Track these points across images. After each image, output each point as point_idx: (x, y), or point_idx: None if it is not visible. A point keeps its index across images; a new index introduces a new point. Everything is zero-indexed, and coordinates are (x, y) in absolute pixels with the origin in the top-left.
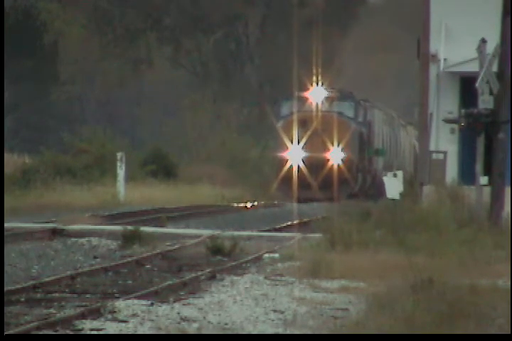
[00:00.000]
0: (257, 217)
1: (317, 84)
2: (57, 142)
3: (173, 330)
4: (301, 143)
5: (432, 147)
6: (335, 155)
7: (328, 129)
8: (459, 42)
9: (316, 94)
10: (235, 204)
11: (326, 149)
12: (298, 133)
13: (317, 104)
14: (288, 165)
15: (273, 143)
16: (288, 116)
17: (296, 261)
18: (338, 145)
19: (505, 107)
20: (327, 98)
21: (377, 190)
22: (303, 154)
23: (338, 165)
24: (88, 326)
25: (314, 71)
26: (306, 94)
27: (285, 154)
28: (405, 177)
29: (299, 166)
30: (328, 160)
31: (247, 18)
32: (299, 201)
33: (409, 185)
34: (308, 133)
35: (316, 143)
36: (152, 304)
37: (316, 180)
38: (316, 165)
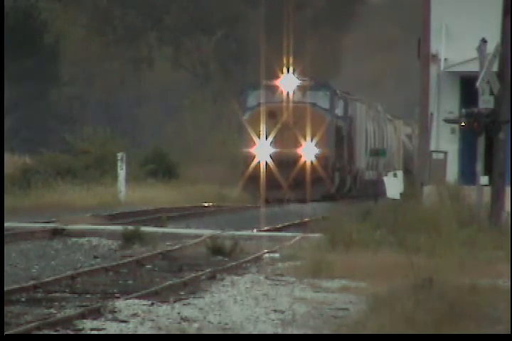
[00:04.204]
0: (256, 216)
1: (288, 71)
2: (58, 142)
3: (173, 330)
4: (270, 138)
5: (433, 147)
6: (307, 151)
7: (300, 122)
8: (459, 42)
9: (287, 83)
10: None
11: (297, 144)
12: (266, 126)
13: (288, 93)
14: (255, 162)
15: (239, 137)
16: (255, 108)
17: (297, 261)
18: (312, 140)
19: (506, 107)
20: (299, 87)
21: (369, 191)
22: (271, 150)
23: (311, 162)
24: (88, 326)
25: (285, 56)
26: (276, 82)
27: (252, 150)
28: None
29: (267, 163)
30: (300, 156)
31: (248, 18)
32: (268, 202)
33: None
34: (278, 126)
35: (286, 137)
36: (152, 304)
37: (287, 178)
38: (286, 162)
